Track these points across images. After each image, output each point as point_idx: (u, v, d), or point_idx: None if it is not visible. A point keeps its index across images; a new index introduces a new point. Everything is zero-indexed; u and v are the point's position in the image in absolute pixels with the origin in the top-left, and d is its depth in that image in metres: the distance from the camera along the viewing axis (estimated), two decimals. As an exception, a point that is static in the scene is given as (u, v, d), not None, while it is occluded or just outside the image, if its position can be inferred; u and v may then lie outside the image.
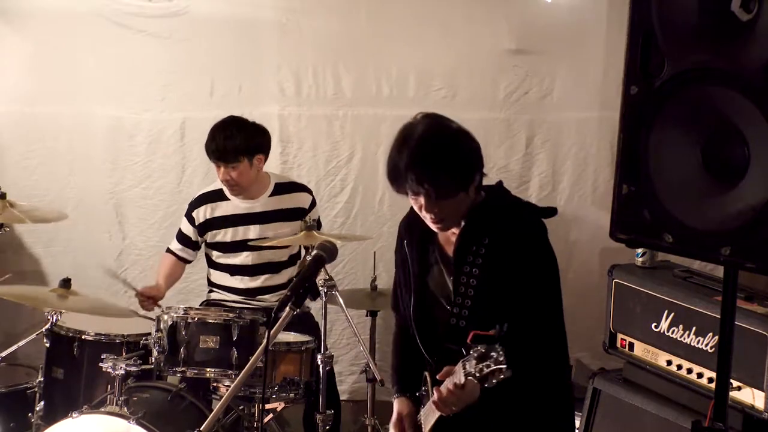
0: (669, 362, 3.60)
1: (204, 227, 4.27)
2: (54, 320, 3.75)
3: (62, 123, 5.00)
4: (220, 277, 4.33)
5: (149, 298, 4.16)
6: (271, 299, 4.27)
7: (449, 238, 2.65)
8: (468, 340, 2.38)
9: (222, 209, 4.26)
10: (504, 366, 2.24)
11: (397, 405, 2.79)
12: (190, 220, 4.29)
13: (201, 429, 2.60)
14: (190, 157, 5.00)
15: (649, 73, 2.28)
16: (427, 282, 2.69)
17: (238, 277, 4.28)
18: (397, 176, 2.54)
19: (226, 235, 4.26)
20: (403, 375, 2.84)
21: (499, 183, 2.70)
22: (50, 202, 4.86)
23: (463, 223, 2.59)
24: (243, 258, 4.25)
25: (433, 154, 2.50)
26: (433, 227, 2.60)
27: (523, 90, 4.89)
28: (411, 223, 2.74)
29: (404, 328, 2.81)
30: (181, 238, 4.33)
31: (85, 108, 4.99)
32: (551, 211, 2.66)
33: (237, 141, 4.11)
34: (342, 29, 4.93)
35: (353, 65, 4.95)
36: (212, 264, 4.36)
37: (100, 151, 5.02)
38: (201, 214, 4.27)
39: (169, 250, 4.38)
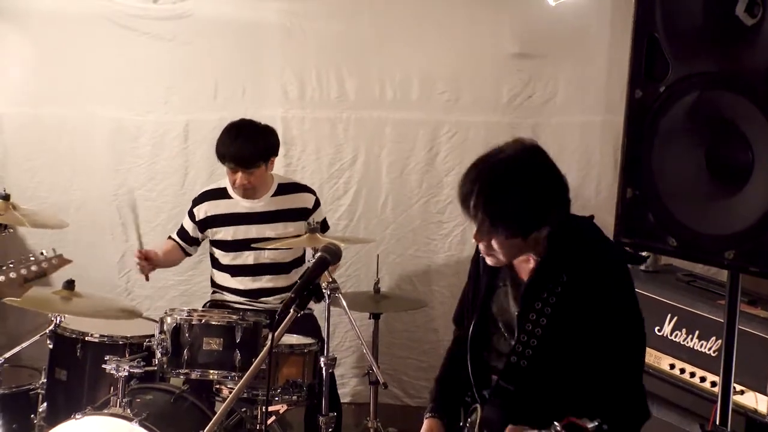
0: (672, 366, 3.60)
1: (204, 224, 4.29)
2: (57, 322, 3.75)
3: (66, 125, 5.01)
4: (223, 278, 4.33)
5: (147, 260, 4.14)
6: (273, 301, 4.28)
7: (525, 262, 2.47)
8: (560, 425, 2.17)
9: (224, 207, 4.27)
10: None
11: (427, 423, 2.61)
12: (191, 216, 4.31)
13: (205, 431, 2.59)
14: (194, 159, 5.00)
15: (653, 77, 2.29)
16: (491, 304, 2.54)
17: (240, 278, 4.29)
18: (461, 196, 2.37)
19: (227, 233, 4.27)
20: (444, 395, 2.67)
21: (591, 218, 2.51)
22: (53, 204, 4.87)
23: (535, 258, 2.41)
24: (245, 258, 4.26)
25: (497, 186, 2.31)
26: (486, 258, 2.44)
27: (526, 94, 4.89)
28: None
29: (460, 344, 2.64)
30: (181, 233, 4.35)
31: (88, 110, 4.99)
32: (640, 259, 2.51)
33: (256, 146, 4.12)
34: (345, 32, 4.93)
35: (356, 68, 4.95)
36: (215, 264, 4.37)
37: (103, 153, 5.03)
38: (202, 210, 4.29)
39: (169, 237, 4.40)
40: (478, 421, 2.47)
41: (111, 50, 4.95)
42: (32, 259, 3.14)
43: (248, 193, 4.21)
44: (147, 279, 4.21)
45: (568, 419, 2.20)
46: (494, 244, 2.36)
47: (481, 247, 2.41)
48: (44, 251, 3.19)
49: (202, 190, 4.39)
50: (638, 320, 2.42)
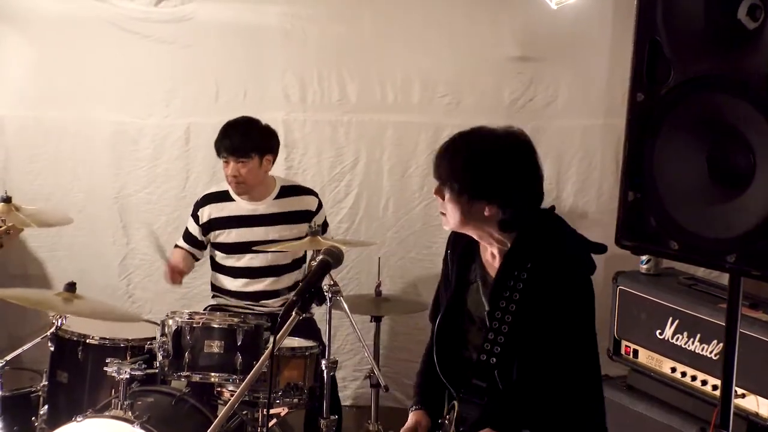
0: (673, 369, 3.60)
1: (208, 227, 4.29)
2: (59, 324, 3.75)
3: (67, 128, 5.02)
4: (224, 281, 4.34)
5: (179, 272, 4.22)
6: (274, 304, 4.28)
7: (492, 259, 2.58)
8: None
9: (227, 210, 4.28)
10: None
11: (414, 416, 2.71)
12: (195, 219, 4.32)
13: (207, 433, 2.59)
14: (194, 162, 5.00)
15: (655, 81, 2.28)
16: (465, 299, 2.62)
17: (241, 280, 4.29)
18: (437, 152, 2.55)
19: (229, 235, 4.28)
20: (427, 388, 2.74)
21: (552, 208, 2.59)
22: (54, 207, 4.87)
23: (509, 245, 2.51)
24: (247, 260, 4.26)
25: (468, 144, 2.49)
26: (442, 221, 2.57)
27: (527, 97, 4.89)
28: (457, 235, 2.67)
29: None
30: (188, 237, 4.36)
31: (90, 113, 5.00)
32: (601, 248, 2.56)
33: (251, 138, 4.18)
34: (346, 35, 4.94)
35: (358, 71, 4.95)
36: (216, 267, 4.37)
37: (104, 156, 5.03)
38: (205, 213, 4.30)
39: (177, 246, 4.40)
40: (455, 418, 2.54)
41: (112, 53, 4.95)
42: None
43: (241, 187, 4.21)
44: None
45: None
46: (445, 199, 2.50)
47: (439, 204, 2.54)
48: None
49: (204, 193, 4.40)
50: (588, 315, 2.51)
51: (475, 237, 2.57)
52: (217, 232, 4.30)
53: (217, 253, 4.34)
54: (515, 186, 2.48)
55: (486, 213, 2.48)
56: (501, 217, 2.48)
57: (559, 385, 2.44)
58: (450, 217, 2.53)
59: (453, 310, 2.63)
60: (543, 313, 2.43)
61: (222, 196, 4.31)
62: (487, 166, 2.47)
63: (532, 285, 2.46)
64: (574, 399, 2.47)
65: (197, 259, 4.42)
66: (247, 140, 4.17)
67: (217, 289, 4.39)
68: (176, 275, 4.23)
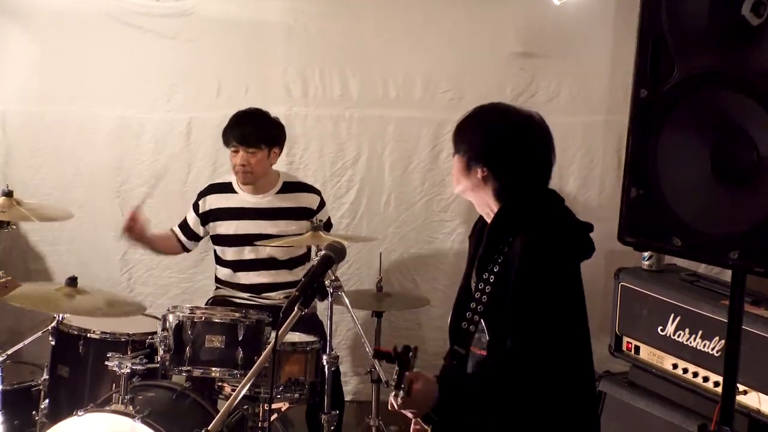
0: (675, 366, 3.60)
1: (207, 216, 4.31)
2: (60, 318, 3.76)
3: (69, 122, 5.00)
4: (226, 274, 4.35)
5: (135, 225, 4.16)
6: (276, 297, 4.28)
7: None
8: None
9: (229, 201, 4.30)
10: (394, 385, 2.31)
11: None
12: (195, 207, 4.33)
13: (209, 429, 2.59)
14: (196, 157, 5.00)
15: (658, 77, 2.28)
16: (467, 277, 2.67)
17: (242, 273, 4.30)
18: None
19: (229, 227, 4.29)
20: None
21: (551, 190, 2.59)
22: (56, 201, 4.86)
23: (493, 217, 2.52)
24: (247, 253, 4.27)
25: (480, 112, 2.59)
26: None
27: (529, 93, 4.88)
28: (477, 221, 2.72)
29: None
30: (182, 226, 4.37)
31: (91, 108, 4.99)
32: (588, 227, 2.53)
33: (261, 129, 4.23)
34: (349, 31, 4.93)
35: (360, 67, 4.95)
36: (219, 261, 4.38)
37: (106, 151, 5.02)
38: (207, 203, 4.31)
39: (171, 229, 4.42)
40: None
41: (114, 48, 4.94)
42: None
43: (248, 177, 4.22)
44: (129, 239, 4.25)
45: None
46: (454, 167, 2.58)
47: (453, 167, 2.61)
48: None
49: (208, 183, 4.42)
50: (547, 294, 2.40)
51: (476, 205, 2.61)
52: (217, 223, 4.31)
53: (217, 247, 4.35)
54: (513, 157, 2.51)
55: (479, 176, 2.50)
56: (495, 185, 2.51)
57: (519, 359, 2.39)
58: (454, 177, 2.60)
59: (463, 289, 2.66)
60: (511, 285, 2.41)
61: (225, 188, 4.34)
62: (489, 131, 2.54)
63: (508, 257, 2.45)
64: (531, 374, 2.39)
65: (186, 249, 4.44)
66: (257, 131, 4.20)
67: (219, 282, 4.41)
68: (133, 227, 4.15)
